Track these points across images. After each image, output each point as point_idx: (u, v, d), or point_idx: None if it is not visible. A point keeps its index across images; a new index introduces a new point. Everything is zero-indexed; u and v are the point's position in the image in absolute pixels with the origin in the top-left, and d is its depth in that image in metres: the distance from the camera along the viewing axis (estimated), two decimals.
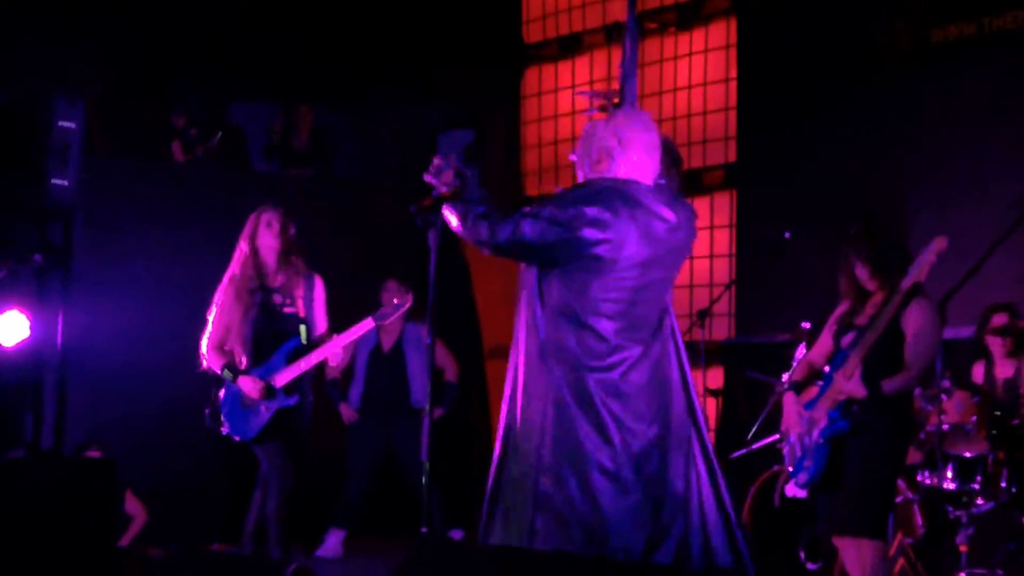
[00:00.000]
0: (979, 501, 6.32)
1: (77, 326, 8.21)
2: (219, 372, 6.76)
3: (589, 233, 4.46)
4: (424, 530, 5.13)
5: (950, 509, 6.34)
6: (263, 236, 6.80)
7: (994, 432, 6.46)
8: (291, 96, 10.60)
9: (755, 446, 7.38)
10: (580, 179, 4.71)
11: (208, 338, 6.83)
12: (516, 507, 4.51)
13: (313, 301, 6.84)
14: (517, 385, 4.64)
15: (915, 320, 5.62)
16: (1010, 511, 6.42)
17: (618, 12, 10.05)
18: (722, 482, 4.65)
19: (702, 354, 8.09)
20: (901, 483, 6.34)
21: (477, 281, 10.58)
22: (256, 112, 10.66)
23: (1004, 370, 7.09)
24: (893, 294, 5.53)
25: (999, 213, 7.03)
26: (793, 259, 8.01)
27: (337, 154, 10.75)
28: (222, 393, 6.78)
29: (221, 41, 10.06)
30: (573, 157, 4.75)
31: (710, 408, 8.93)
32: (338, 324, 6.85)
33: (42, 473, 6.60)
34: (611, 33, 10.15)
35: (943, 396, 6.41)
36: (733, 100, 9.34)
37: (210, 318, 6.84)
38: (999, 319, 7.05)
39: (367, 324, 6.84)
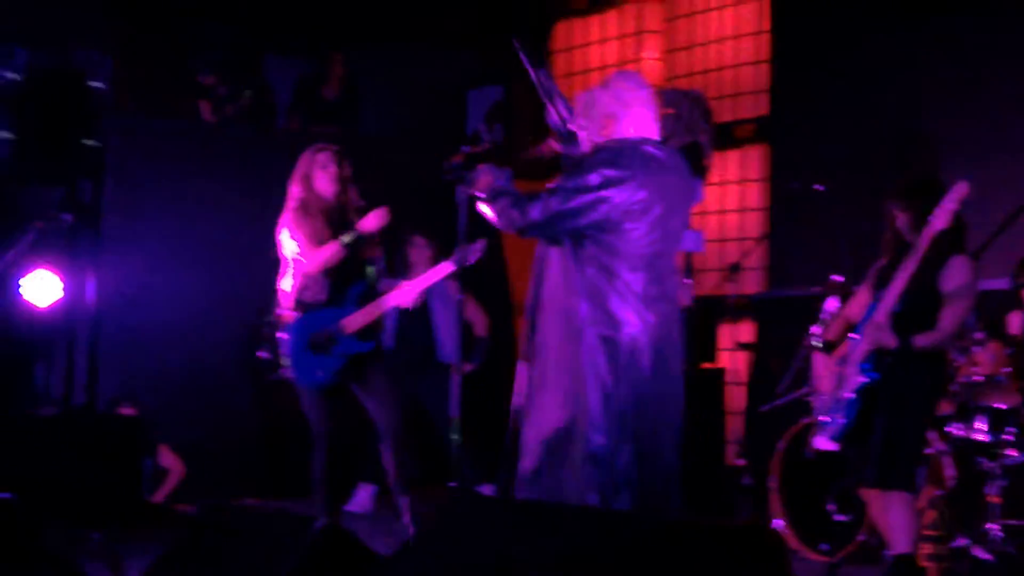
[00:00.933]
0: (1012, 452, 6.27)
1: (108, 284, 8.29)
2: (336, 252, 6.36)
3: (613, 193, 4.59)
4: (454, 484, 5.15)
5: (982, 461, 6.30)
6: (319, 179, 6.51)
7: None
8: (320, 47, 10.55)
9: (785, 399, 7.35)
10: (588, 147, 4.80)
11: (302, 246, 6.42)
12: (565, 462, 4.60)
13: (413, 261, 6.66)
14: (545, 344, 4.72)
15: (953, 278, 5.60)
16: None
17: None
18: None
19: (732, 308, 8.05)
20: (931, 435, 6.30)
21: (506, 236, 10.54)
22: (289, 66, 10.62)
23: None
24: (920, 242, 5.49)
25: None
26: (825, 212, 7.95)
27: (364, 107, 10.70)
28: (283, 336, 6.51)
29: None
30: (575, 127, 4.84)
31: (741, 362, 8.91)
32: None
33: (73, 429, 6.66)
34: None
35: (975, 347, 6.37)
36: (765, 53, 9.25)
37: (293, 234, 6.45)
38: None
39: (445, 268, 6.67)
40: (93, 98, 8.16)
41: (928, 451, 6.24)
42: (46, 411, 7.41)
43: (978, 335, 6.38)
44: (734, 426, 8.58)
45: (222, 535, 4.33)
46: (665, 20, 10.04)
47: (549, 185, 4.70)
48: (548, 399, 4.66)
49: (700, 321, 8.25)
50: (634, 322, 4.60)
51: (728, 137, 9.35)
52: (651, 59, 10.09)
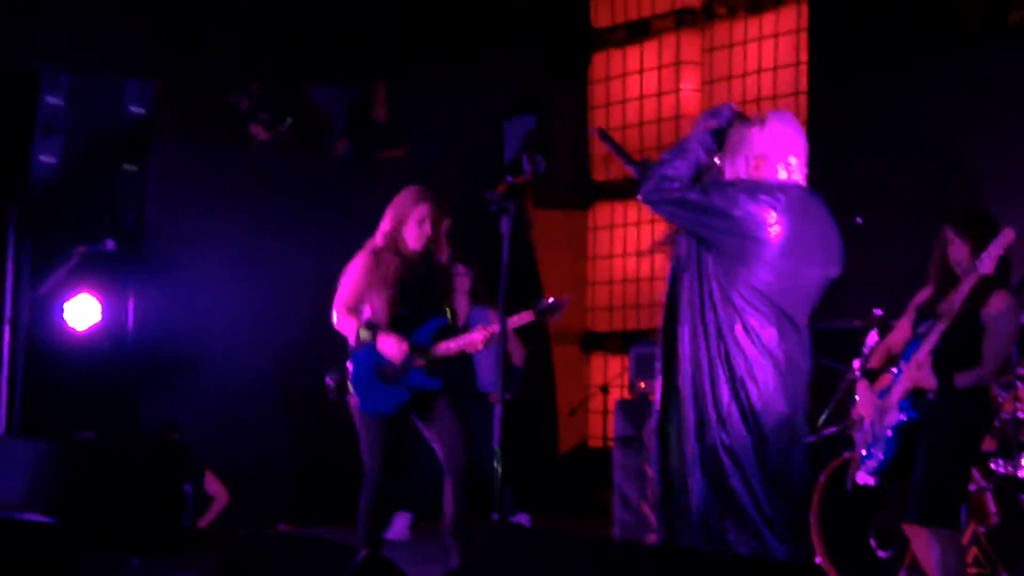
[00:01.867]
0: None
1: (149, 309, 8.33)
2: (353, 333, 6.26)
3: (755, 210, 4.75)
4: (495, 516, 5.13)
5: None
6: (409, 231, 6.28)
7: None
8: (360, 75, 10.59)
9: (825, 432, 7.31)
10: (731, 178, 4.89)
11: (338, 299, 6.30)
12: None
13: (455, 289, 6.56)
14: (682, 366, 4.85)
15: (995, 314, 5.55)
16: None
17: None
18: None
19: None
20: (975, 471, 6.25)
21: (543, 265, 10.56)
22: (335, 95, 10.65)
23: None
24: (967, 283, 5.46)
25: None
26: (865, 245, 7.92)
27: (413, 131, 10.69)
28: (350, 365, 6.32)
29: (290, 21, 10.05)
30: (719, 161, 4.91)
31: None
32: None
33: (115, 455, 6.69)
34: (680, 18, 10.09)
35: (1019, 383, 6.32)
36: (803, 84, 9.26)
37: (344, 280, 6.31)
38: None
39: (525, 317, 6.46)
40: (136, 124, 8.23)
41: (971, 487, 6.19)
42: (86, 435, 7.44)
43: (1021, 370, 6.33)
44: None
45: (262, 565, 4.34)
46: (703, 51, 10.06)
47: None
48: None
49: None
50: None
51: None
52: (689, 89, 10.11)
